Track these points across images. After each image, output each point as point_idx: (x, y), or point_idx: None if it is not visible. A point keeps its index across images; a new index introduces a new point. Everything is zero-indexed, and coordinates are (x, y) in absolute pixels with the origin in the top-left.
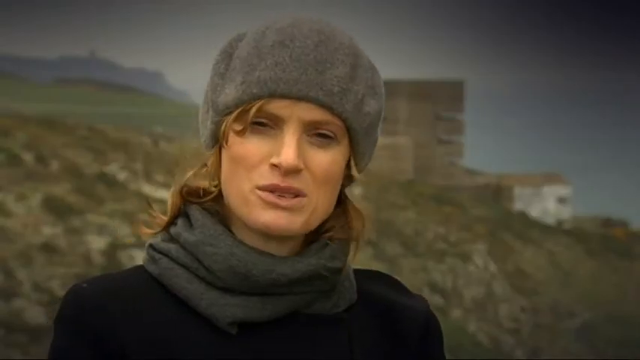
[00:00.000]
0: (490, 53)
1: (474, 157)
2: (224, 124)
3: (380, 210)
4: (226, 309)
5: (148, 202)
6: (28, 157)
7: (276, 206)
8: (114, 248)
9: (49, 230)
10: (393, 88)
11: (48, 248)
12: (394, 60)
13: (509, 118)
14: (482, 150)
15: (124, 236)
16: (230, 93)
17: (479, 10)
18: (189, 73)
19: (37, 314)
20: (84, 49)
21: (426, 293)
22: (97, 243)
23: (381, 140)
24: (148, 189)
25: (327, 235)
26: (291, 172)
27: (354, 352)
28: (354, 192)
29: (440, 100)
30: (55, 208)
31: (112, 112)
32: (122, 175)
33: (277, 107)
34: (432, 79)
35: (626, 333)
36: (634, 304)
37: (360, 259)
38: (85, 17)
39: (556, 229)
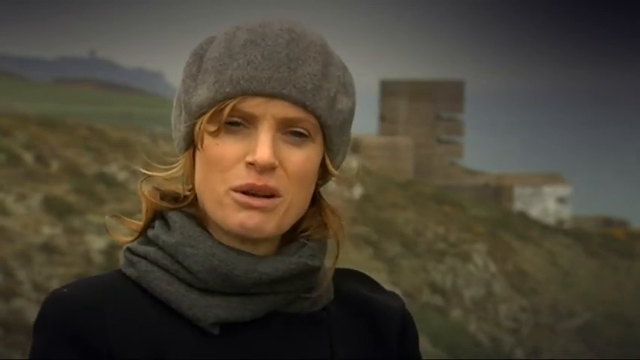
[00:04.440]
0: (490, 53)
1: (474, 157)
2: (197, 125)
3: (380, 210)
4: (208, 310)
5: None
6: (27, 157)
7: (249, 206)
8: (114, 248)
9: (49, 230)
10: (393, 88)
11: (48, 248)
12: (394, 60)
13: (509, 118)
14: (482, 150)
15: (124, 236)
16: (203, 94)
17: (479, 10)
18: None
19: (36, 314)
20: (84, 49)
21: (426, 293)
22: (97, 243)
23: (381, 140)
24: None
25: (305, 234)
26: (267, 169)
27: (334, 350)
28: (355, 192)
29: (440, 100)
30: (55, 208)
31: (112, 112)
32: (122, 175)
33: (251, 105)
34: (432, 79)
35: (626, 333)
36: (634, 304)
37: (360, 259)
38: (85, 17)
39: (556, 229)
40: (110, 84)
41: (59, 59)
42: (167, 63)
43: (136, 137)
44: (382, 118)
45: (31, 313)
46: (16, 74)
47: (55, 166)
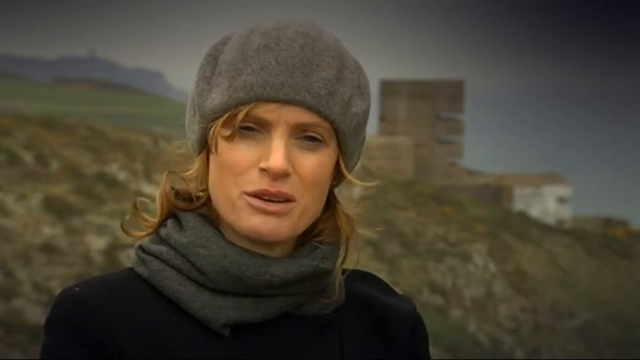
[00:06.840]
0: (490, 53)
1: (474, 157)
2: (212, 129)
3: (380, 210)
4: (219, 310)
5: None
6: (27, 157)
7: (264, 211)
8: (114, 248)
9: (49, 230)
10: (393, 88)
11: (48, 248)
12: (394, 60)
13: (509, 118)
14: (482, 150)
15: (124, 236)
16: (216, 98)
17: (479, 10)
18: (188, 73)
19: (37, 314)
20: (84, 49)
21: (426, 293)
22: (97, 243)
23: (381, 140)
24: (148, 189)
25: (318, 239)
26: (280, 176)
27: (345, 352)
28: (354, 192)
29: (440, 100)
30: (55, 208)
31: (112, 112)
32: (122, 175)
33: (265, 111)
34: (432, 79)
35: (626, 333)
36: (634, 304)
37: (360, 259)
38: (85, 17)
39: (556, 229)
40: (110, 84)
41: (59, 59)
42: (167, 63)
43: (135, 137)
44: (382, 118)
45: (31, 313)
46: (16, 74)
47: (55, 166)
